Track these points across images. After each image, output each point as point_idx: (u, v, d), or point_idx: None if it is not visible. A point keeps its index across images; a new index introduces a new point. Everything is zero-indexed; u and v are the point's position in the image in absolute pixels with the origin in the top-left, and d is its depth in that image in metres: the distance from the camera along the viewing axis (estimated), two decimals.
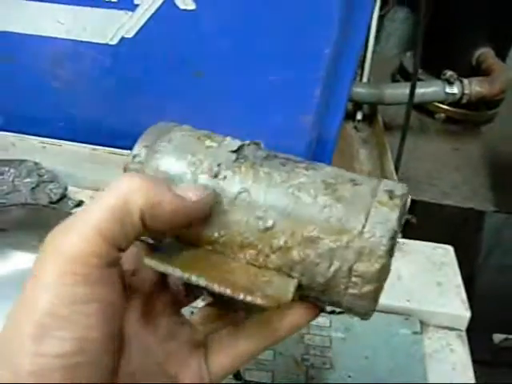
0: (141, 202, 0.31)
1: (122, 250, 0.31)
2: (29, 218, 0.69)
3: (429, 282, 0.75)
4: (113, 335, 0.31)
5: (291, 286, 0.33)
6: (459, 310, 0.72)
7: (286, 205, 0.34)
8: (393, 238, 0.33)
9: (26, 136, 0.80)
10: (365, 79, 1.31)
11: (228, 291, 0.30)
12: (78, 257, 0.29)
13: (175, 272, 0.31)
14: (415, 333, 0.69)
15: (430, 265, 0.78)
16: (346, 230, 0.33)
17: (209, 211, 0.35)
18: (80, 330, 0.28)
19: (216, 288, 0.30)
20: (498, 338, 0.94)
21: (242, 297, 0.30)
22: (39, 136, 0.79)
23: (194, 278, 0.31)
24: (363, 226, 0.33)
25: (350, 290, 0.34)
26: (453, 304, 0.72)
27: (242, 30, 0.68)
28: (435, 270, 0.77)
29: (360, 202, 0.34)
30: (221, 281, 0.31)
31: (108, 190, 0.32)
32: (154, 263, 0.32)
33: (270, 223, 0.34)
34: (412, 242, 0.82)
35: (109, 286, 0.30)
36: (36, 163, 0.81)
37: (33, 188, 0.78)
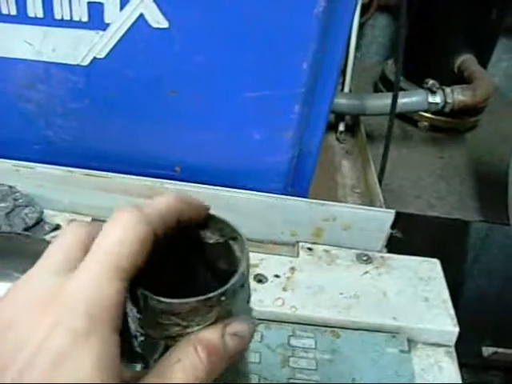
0: None
1: None
2: (2, 245, 0.67)
3: (415, 298, 0.74)
4: None
5: None
6: (447, 325, 0.71)
7: None
8: None
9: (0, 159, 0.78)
10: (346, 89, 1.30)
11: None
12: None
13: None
14: (403, 351, 0.68)
15: (417, 280, 0.77)
16: None
17: None
18: None
19: None
20: (487, 351, 0.93)
21: None
22: (13, 159, 0.77)
23: None
24: None
25: None
26: (440, 320, 0.71)
27: (217, 47, 0.67)
28: (422, 285, 0.76)
29: None
30: None
31: None
32: None
33: None
34: (397, 256, 0.80)
35: None
36: (11, 187, 0.79)
37: (8, 213, 0.76)
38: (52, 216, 0.80)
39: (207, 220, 0.40)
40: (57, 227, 0.78)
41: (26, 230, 0.76)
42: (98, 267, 0.31)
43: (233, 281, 0.34)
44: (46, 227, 0.77)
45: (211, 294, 0.33)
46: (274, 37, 0.67)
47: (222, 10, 0.64)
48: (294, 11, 0.65)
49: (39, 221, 0.78)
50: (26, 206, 0.78)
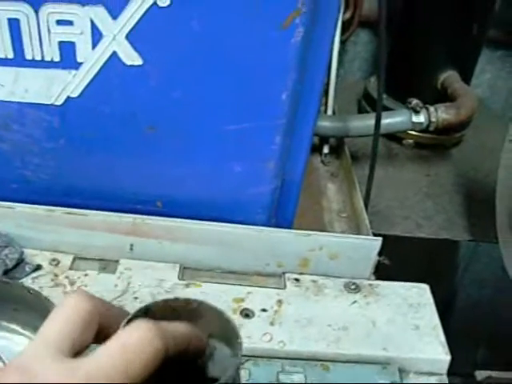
0: None
1: None
2: None
3: (405, 326, 0.73)
4: None
5: None
6: (439, 354, 0.70)
7: None
8: None
9: None
10: (329, 110, 1.30)
11: None
12: None
13: None
14: (394, 383, 0.67)
15: (406, 307, 0.76)
16: None
17: None
18: None
19: None
20: (480, 375, 0.92)
21: None
22: None
23: None
24: None
25: None
26: (432, 348, 0.71)
27: (194, 81, 0.66)
28: (412, 313, 0.75)
29: None
30: None
31: None
32: None
33: None
34: (385, 283, 0.80)
35: None
36: None
37: None
38: (33, 255, 0.79)
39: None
40: (38, 267, 0.77)
41: (5, 272, 0.74)
42: None
43: None
44: (27, 268, 0.76)
45: None
46: (252, 68, 0.66)
47: (198, 44, 0.63)
48: (271, 42, 0.64)
49: (20, 262, 0.76)
50: (6, 247, 0.76)
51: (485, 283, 1.17)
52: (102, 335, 0.37)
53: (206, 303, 0.40)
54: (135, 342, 0.32)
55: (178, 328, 0.37)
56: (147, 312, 0.39)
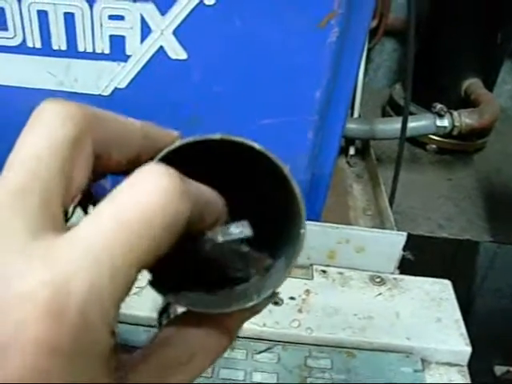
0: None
1: None
2: None
3: (428, 319, 0.75)
4: None
5: None
6: (459, 345, 0.72)
7: None
8: None
9: None
10: (356, 114, 1.32)
11: None
12: None
13: None
14: (416, 371, 0.69)
15: (429, 301, 0.78)
16: None
17: None
18: None
19: None
20: (499, 370, 0.94)
21: None
22: None
23: None
24: None
25: None
26: (453, 340, 0.73)
27: (234, 77, 0.69)
28: (434, 306, 0.77)
29: None
30: None
31: None
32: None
33: None
34: (409, 278, 0.82)
35: None
36: None
37: None
38: None
39: None
40: None
41: None
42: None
43: None
44: None
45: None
46: (289, 66, 0.69)
47: (239, 42, 0.67)
48: (308, 41, 0.67)
49: None
50: None
51: (505, 283, 1.18)
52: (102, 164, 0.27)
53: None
54: (153, 200, 0.22)
55: (214, 197, 0.28)
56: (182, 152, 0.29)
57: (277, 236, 0.32)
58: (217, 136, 0.29)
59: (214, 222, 0.27)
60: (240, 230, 0.27)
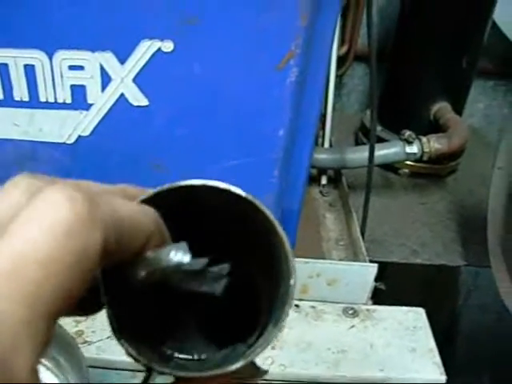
0: None
1: None
2: None
3: (402, 349, 0.76)
4: None
5: None
6: (434, 374, 0.73)
7: None
8: None
9: None
10: (326, 143, 1.33)
11: None
12: None
13: None
14: None
15: (402, 330, 0.79)
16: None
17: None
18: None
19: None
20: None
21: None
22: None
23: None
24: None
25: None
26: (427, 369, 0.73)
27: (196, 120, 0.70)
28: (408, 336, 0.78)
29: None
30: None
31: None
32: None
33: None
34: (382, 308, 0.83)
35: None
36: None
37: None
38: None
39: None
40: None
41: None
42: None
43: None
44: None
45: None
46: (250, 107, 0.70)
47: (199, 86, 0.67)
48: (268, 83, 0.68)
49: None
50: None
51: (484, 306, 1.19)
52: None
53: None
54: (50, 238, 0.18)
55: (140, 216, 0.23)
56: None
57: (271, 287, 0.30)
58: (198, 182, 0.27)
59: (144, 244, 0.23)
60: (177, 254, 0.24)
